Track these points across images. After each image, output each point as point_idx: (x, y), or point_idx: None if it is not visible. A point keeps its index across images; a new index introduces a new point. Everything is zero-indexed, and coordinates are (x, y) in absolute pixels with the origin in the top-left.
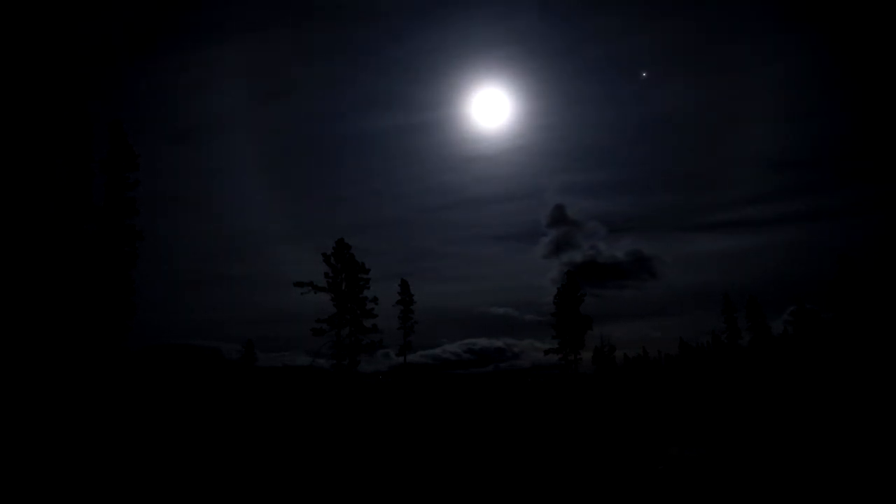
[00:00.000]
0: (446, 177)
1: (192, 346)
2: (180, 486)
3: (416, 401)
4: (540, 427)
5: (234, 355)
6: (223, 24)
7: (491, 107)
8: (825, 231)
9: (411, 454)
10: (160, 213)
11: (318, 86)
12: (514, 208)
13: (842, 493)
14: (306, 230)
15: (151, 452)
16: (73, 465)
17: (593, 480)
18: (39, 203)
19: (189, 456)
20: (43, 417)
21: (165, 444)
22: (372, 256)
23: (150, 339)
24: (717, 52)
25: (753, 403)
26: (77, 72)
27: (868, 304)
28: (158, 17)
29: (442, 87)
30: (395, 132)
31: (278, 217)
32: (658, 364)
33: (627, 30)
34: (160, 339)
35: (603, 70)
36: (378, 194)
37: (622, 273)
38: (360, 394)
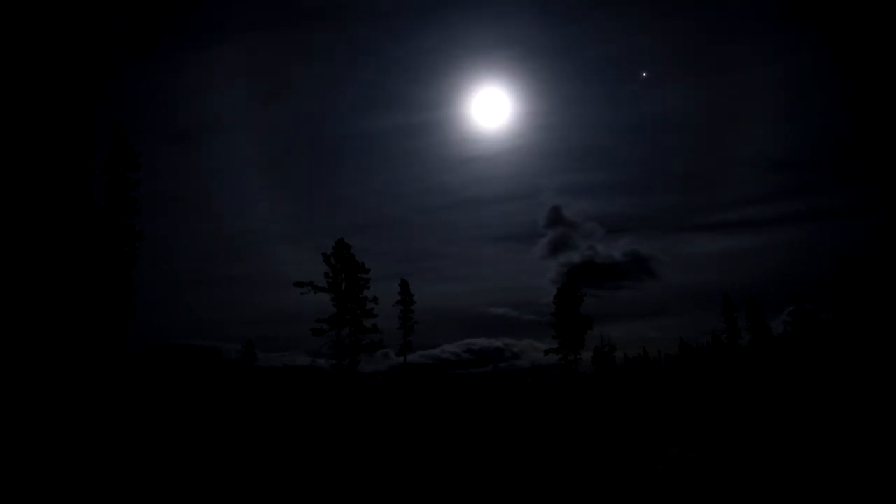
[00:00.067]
0: (446, 177)
1: (192, 346)
2: (180, 486)
3: (415, 401)
4: (540, 427)
5: (234, 355)
6: (223, 24)
7: (491, 107)
8: (825, 231)
9: (411, 454)
10: (160, 213)
11: (318, 86)
12: (513, 208)
13: (842, 492)
14: (306, 230)
15: (151, 452)
16: (74, 464)
17: (593, 480)
18: (40, 203)
19: (189, 456)
20: (43, 417)
21: (165, 444)
22: (372, 256)
23: (150, 339)
24: (717, 52)
25: (753, 403)
26: (78, 72)
27: (868, 304)
28: (159, 18)
29: (442, 87)
30: (395, 132)
31: (278, 217)
32: (658, 364)
33: (627, 30)
34: (160, 339)
35: (603, 70)
36: (378, 194)
37: (620, 273)
38: (359, 394)
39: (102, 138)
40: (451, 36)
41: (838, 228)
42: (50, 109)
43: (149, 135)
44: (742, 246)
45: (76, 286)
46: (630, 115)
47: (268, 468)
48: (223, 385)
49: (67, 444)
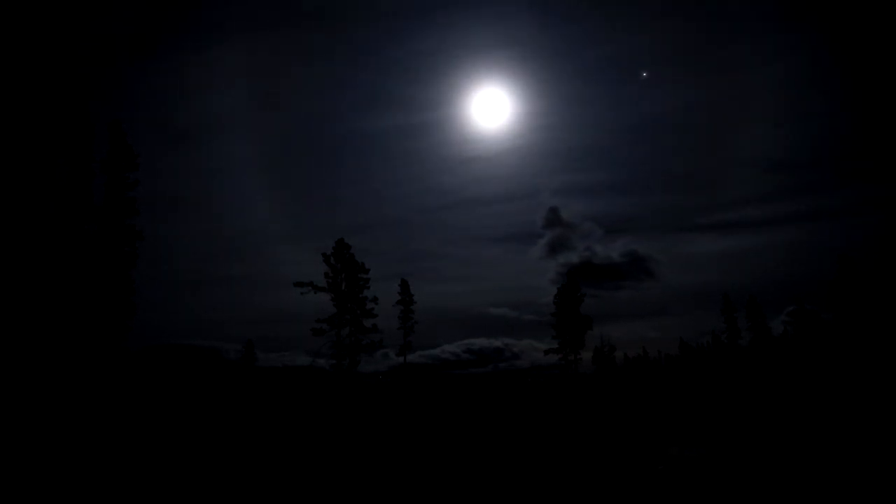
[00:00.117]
0: (446, 177)
1: (192, 346)
2: (181, 486)
3: (415, 401)
4: (540, 427)
5: (234, 355)
6: (223, 24)
7: (490, 107)
8: (825, 231)
9: (411, 454)
10: (160, 214)
11: (318, 86)
12: (513, 209)
13: (841, 492)
14: (306, 230)
15: (151, 452)
16: (74, 464)
17: (593, 480)
18: (40, 203)
19: (189, 456)
20: (43, 417)
21: (165, 444)
22: (372, 256)
23: (150, 339)
24: (717, 52)
25: (753, 403)
26: (78, 72)
27: (868, 304)
28: (159, 18)
29: (442, 87)
30: (394, 132)
31: (278, 217)
32: (658, 364)
33: (627, 30)
34: (160, 339)
35: (603, 70)
36: (378, 194)
37: (619, 274)
38: (359, 394)
39: (102, 138)
40: (451, 36)
41: (838, 228)
42: (50, 109)
43: (149, 135)
44: (742, 246)
45: (76, 286)
46: (630, 115)
47: (268, 468)
48: (223, 385)
49: (68, 444)
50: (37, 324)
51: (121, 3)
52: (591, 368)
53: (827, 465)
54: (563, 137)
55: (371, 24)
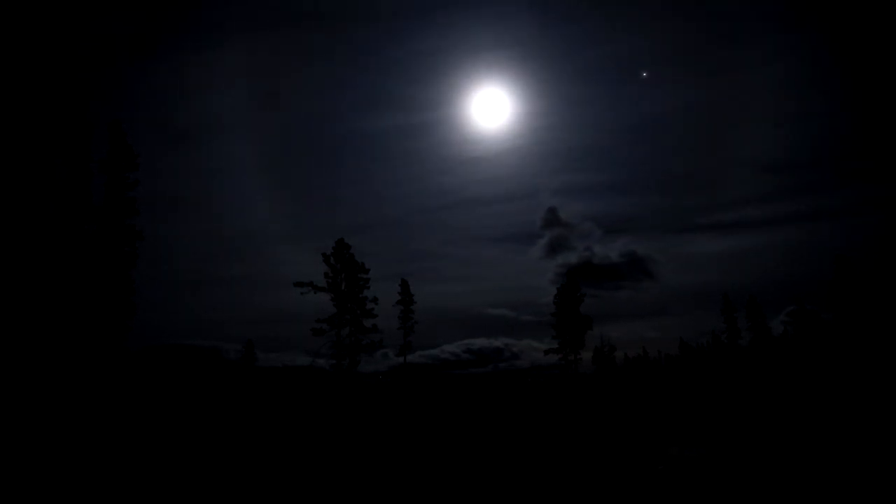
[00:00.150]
0: (446, 177)
1: (192, 346)
2: (181, 486)
3: (415, 401)
4: (540, 427)
5: (234, 355)
6: (223, 24)
7: (490, 107)
8: (825, 231)
9: (411, 454)
10: (160, 214)
11: (318, 86)
12: (513, 209)
13: (841, 492)
14: (306, 230)
15: (151, 452)
16: (74, 464)
17: (593, 480)
18: (39, 203)
19: (189, 456)
20: (43, 417)
21: (165, 444)
22: (372, 256)
23: (150, 339)
24: (717, 53)
25: (753, 403)
26: (77, 72)
27: (867, 304)
28: (159, 18)
29: (442, 87)
30: (394, 132)
31: (278, 217)
32: (658, 364)
33: (627, 30)
34: (160, 339)
35: (603, 70)
36: (378, 195)
37: (618, 274)
38: (359, 394)
39: (102, 138)
40: (451, 36)
41: (838, 228)
42: (49, 109)
43: (149, 135)
44: (742, 246)
45: (76, 286)
46: (630, 115)
47: (268, 468)
48: (223, 385)
49: (68, 444)
50: (37, 324)
51: (121, 3)
52: (591, 368)
53: (827, 465)
54: (563, 137)
55: (371, 24)
